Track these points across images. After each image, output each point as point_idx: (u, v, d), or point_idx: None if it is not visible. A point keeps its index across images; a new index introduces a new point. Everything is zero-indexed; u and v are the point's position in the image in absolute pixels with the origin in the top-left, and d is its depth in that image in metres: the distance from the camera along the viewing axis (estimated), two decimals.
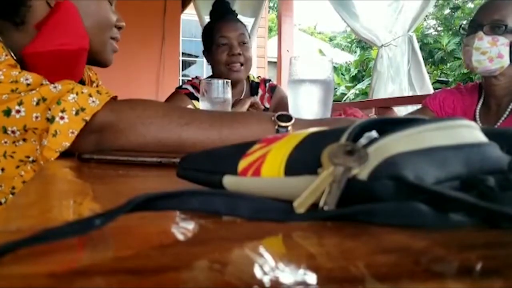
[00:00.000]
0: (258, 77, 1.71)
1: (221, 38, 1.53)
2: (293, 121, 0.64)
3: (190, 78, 1.70)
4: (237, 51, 1.51)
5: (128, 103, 0.66)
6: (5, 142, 0.63)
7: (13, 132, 0.62)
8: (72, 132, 0.61)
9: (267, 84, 1.68)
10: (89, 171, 0.53)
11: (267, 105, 1.65)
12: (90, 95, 0.63)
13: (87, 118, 0.62)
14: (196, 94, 1.53)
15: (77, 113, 0.62)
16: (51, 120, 0.61)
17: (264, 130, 0.64)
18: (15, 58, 0.69)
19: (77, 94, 0.63)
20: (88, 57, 0.80)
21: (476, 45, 1.20)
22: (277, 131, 0.63)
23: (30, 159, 0.65)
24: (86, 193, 0.39)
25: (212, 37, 1.56)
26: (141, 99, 0.67)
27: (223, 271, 0.17)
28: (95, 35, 0.78)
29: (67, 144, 0.61)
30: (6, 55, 0.66)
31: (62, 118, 0.61)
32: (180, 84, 2.00)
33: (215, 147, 0.33)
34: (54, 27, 0.72)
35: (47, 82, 0.65)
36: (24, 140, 0.64)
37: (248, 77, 1.66)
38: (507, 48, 1.17)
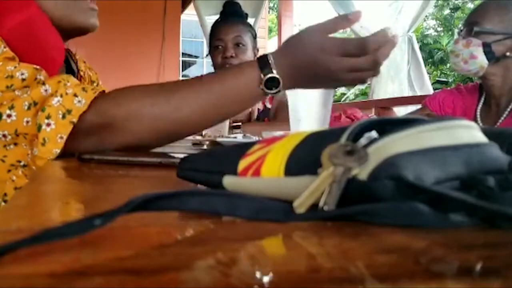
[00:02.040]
0: None
1: (217, 40, 1.55)
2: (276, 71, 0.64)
3: None
4: (230, 53, 1.51)
5: (113, 99, 0.64)
6: None
7: (4, 136, 0.61)
8: (61, 137, 0.59)
9: None
10: (89, 171, 0.53)
11: (269, 105, 1.65)
12: (75, 95, 0.61)
13: (75, 120, 0.60)
14: None
15: (63, 117, 0.60)
16: (38, 128, 0.59)
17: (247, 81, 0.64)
18: None
19: (61, 96, 0.61)
20: (68, 27, 0.77)
21: (452, 48, 1.25)
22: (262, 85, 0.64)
23: (21, 163, 0.64)
24: (86, 193, 0.39)
25: (212, 39, 1.57)
26: (125, 89, 0.65)
27: (223, 271, 0.17)
28: None
29: (57, 150, 0.59)
30: (5, 47, 0.64)
31: (48, 124, 0.59)
32: None
33: (215, 148, 0.33)
34: None
35: (41, 77, 0.63)
36: (15, 144, 0.63)
37: None
38: (480, 49, 1.18)
